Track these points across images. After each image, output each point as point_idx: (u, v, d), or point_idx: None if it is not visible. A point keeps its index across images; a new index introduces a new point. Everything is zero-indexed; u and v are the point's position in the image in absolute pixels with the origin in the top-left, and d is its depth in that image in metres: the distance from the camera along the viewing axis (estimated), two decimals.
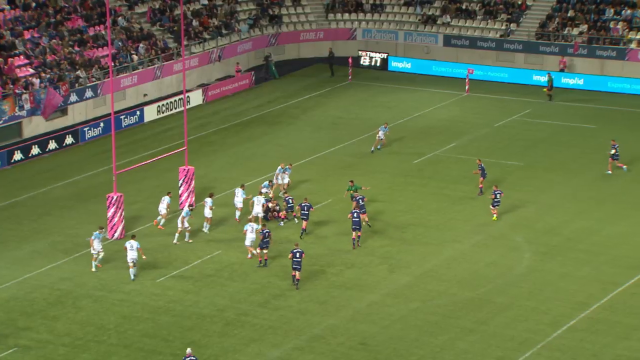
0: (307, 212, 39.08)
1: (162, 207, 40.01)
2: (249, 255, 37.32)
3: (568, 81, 60.09)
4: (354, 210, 38.22)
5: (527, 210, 41.55)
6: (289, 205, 40.63)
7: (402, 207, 42.08)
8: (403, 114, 55.22)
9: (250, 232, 37.09)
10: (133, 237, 36.37)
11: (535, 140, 50.38)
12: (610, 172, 45.55)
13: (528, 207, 41.91)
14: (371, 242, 38.73)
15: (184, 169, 41.85)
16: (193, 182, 42.00)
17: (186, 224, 38.84)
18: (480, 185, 43.26)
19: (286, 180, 42.96)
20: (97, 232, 36.88)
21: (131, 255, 35.70)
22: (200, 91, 58.72)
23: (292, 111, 56.75)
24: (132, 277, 35.80)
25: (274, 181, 42.90)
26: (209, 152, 49.74)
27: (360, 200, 39.37)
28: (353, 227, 37.95)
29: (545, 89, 57.19)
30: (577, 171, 46.01)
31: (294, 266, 35.09)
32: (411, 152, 48.54)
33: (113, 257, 37.53)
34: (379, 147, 48.76)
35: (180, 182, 41.93)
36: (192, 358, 28.93)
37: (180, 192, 41.96)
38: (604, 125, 52.61)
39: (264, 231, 36.91)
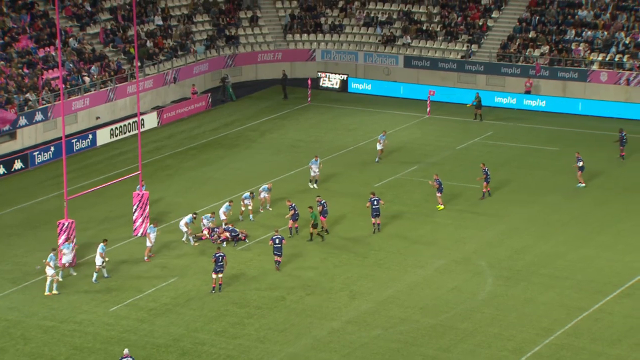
0: (279, 245, 38.20)
1: (182, 224, 40.70)
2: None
3: (530, 103, 60.77)
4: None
5: (491, 234, 41.80)
6: (233, 234, 40.74)
7: (364, 232, 42.12)
8: (364, 136, 55.42)
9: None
10: (104, 241, 37.72)
11: (498, 163, 50.78)
12: (583, 184, 46.63)
13: (491, 230, 42.16)
14: (332, 268, 38.71)
15: (138, 194, 41.57)
16: (148, 207, 41.71)
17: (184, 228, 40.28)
18: (484, 190, 45.10)
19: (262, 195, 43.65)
20: (52, 254, 36.80)
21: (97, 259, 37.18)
22: (155, 114, 58.50)
23: (250, 134, 56.72)
24: (95, 280, 37.19)
25: (260, 196, 43.65)
26: (164, 176, 49.49)
27: (324, 204, 41.10)
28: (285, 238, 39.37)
29: (469, 106, 57.63)
30: (540, 194, 46.42)
31: (275, 252, 37.98)
32: (372, 175, 48.68)
33: (63, 284, 37.06)
34: (376, 160, 49.88)
35: (135, 207, 41.63)
36: (129, 358, 29.21)
37: (134, 217, 41.66)
38: (566, 146, 53.21)
39: (217, 254, 36.79)
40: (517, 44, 64.41)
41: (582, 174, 46.88)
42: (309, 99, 62.60)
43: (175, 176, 49.44)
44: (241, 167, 50.87)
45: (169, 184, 48.18)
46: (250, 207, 42.99)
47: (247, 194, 43.26)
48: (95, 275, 37.66)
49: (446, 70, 64.76)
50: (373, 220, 41.99)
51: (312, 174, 46.73)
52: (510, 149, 53.05)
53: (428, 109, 59.50)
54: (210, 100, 61.93)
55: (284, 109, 61.54)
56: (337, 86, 65.42)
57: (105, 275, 37.94)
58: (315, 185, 46.50)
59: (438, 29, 67.06)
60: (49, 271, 36.51)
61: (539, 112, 59.84)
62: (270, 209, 43.76)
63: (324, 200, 41.77)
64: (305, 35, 69.42)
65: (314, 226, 40.82)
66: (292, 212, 41.28)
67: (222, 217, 41.97)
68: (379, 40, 67.96)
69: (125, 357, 29.71)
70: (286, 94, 63.71)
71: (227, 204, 42.27)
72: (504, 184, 47.58)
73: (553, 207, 44.76)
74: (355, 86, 65.07)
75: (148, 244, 39.64)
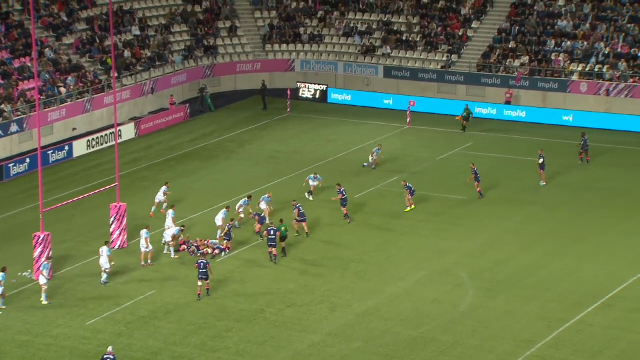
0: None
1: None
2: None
3: (510, 113, 61.08)
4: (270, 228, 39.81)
5: (471, 246, 41.94)
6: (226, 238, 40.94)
7: (344, 243, 42.17)
8: (344, 147, 55.51)
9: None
10: (106, 243, 38.30)
11: (480, 173, 50.99)
12: (544, 183, 48.15)
13: (472, 242, 42.31)
14: (312, 279, 38.71)
15: (116, 206, 41.44)
16: (125, 219, 41.57)
17: (168, 238, 40.52)
18: (479, 189, 46.59)
19: (263, 207, 43.50)
20: (46, 262, 37.03)
21: (101, 261, 37.75)
22: (132, 125, 58.37)
23: (228, 145, 56.68)
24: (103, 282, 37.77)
25: (260, 206, 43.66)
26: (141, 188, 49.36)
27: (300, 207, 41.91)
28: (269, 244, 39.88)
29: (459, 118, 57.82)
30: (521, 204, 46.64)
31: (270, 244, 39.38)
32: (352, 187, 48.77)
33: (38, 297, 36.86)
34: (373, 166, 50.71)
35: (112, 219, 41.48)
36: (111, 357, 29.46)
37: (111, 230, 41.50)
38: (547, 158, 53.55)
39: (200, 261, 36.91)
40: (497, 54, 64.79)
41: (544, 173, 48.38)
42: (289, 110, 62.65)
43: (153, 188, 49.29)
44: (220, 178, 50.80)
45: (147, 195, 48.06)
46: (242, 216, 43.11)
47: (245, 199, 43.55)
48: (104, 276, 37.99)
49: (426, 80, 65.02)
50: (344, 209, 43.74)
51: (311, 185, 46.55)
52: (491, 159, 53.27)
53: (408, 120, 59.68)
54: (188, 111, 61.85)
55: (263, 119, 61.54)
56: (317, 97, 65.53)
57: (104, 279, 37.94)
58: (311, 197, 46.43)
59: (418, 39, 67.36)
60: (42, 280, 36.53)
61: (519, 123, 60.17)
62: (239, 226, 42.83)
63: (299, 204, 42.10)
64: (285, 45, 69.52)
65: (282, 239, 40.46)
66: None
67: (219, 222, 41.77)
68: (359, 51, 68.14)
69: (107, 355, 29.78)
70: (265, 104, 63.74)
71: (225, 210, 42.15)
72: (484, 195, 47.75)
73: (534, 218, 44.98)
74: (335, 97, 65.19)
75: (144, 249, 39.44)
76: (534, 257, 40.79)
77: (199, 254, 40.22)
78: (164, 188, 45.46)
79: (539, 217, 45.01)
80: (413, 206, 45.38)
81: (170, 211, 42.15)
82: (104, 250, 38.08)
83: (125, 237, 41.37)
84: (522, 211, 45.78)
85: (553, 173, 50.71)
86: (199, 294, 36.87)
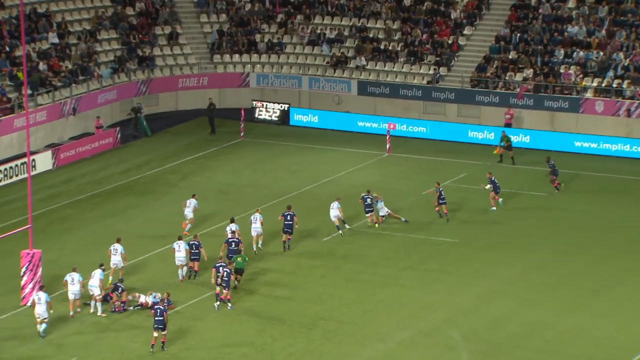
0: (291, 222, 45.84)
1: (189, 212, 47.41)
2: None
3: (512, 138, 61.42)
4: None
5: (465, 299, 42.13)
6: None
7: (309, 297, 42.21)
8: (310, 179, 55.69)
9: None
10: (74, 269, 40.50)
11: (473, 211, 51.34)
12: (494, 208, 50.79)
13: (466, 295, 42.50)
14: (271, 342, 38.70)
15: (28, 253, 41.24)
16: (40, 269, 41.40)
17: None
18: (497, 198, 50.62)
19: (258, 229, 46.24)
20: (100, 270, 40.68)
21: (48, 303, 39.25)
22: (49, 153, 58.24)
23: (168, 177, 56.66)
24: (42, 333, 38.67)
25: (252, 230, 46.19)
26: (60, 230, 49.20)
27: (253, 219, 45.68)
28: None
29: (498, 150, 57.81)
30: (525, 249, 46.95)
31: (285, 229, 45.49)
32: (320, 228, 48.85)
33: None
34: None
35: (24, 269, 41.26)
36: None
37: (23, 282, 41.27)
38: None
39: (157, 307, 37.70)
40: (494, 66, 65.46)
41: (496, 195, 50.89)
42: (242, 134, 62.78)
43: (74, 230, 49.10)
44: (158, 218, 50.72)
45: (67, 239, 47.85)
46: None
47: (233, 225, 44.87)
48: (43, 326, 38.94)
49: (409, 98, 65.51)
50: (284, 236, 46.12)
51: (254, 232, 46.71)
52: (488, 193, 53.65)
53: (388, 146, 60.02)
54: (118, 135, 61.83)
55: (211, 146, 61.59)
56: (277, 118, 65.78)
57: (41, 332, 38.65)
58: (259, 246, 46.76)
59: (399, 49, 67.94)
60: (96, 291, 40.15)
61: (522, 150, 60.69)
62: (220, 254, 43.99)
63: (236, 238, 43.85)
64: (237, 55, 69.83)
65: (238, 272, 42.27)
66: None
67: (180, 260, 43.33)
68: (327, 62, 68.58)
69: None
70: (214, 127, 63.84)
71: (100, 270, 41.43)
72: (480, 237, 48.07)
73: (540, 266, 45.28)
74: (299, 118, 65.47)
75: (72, 296, 40.31)
76: (540, 313, 41.05)
77: (129, 308, 40.33)
78: (192, 202, 48.27)
79: (546, 265, 45.32)
80: (377, 225, 46.82)
81: (193, 200, 47.99)
82: (42, 297, 38.80)
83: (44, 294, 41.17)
84: (525, 257, 46.08)
85: (561, 210, 51.18)
86: (152, 344, 37.14)
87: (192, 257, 43.41)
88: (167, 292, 40.15)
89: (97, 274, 40.75)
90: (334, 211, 47.81)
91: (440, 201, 49.65)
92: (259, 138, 62.95)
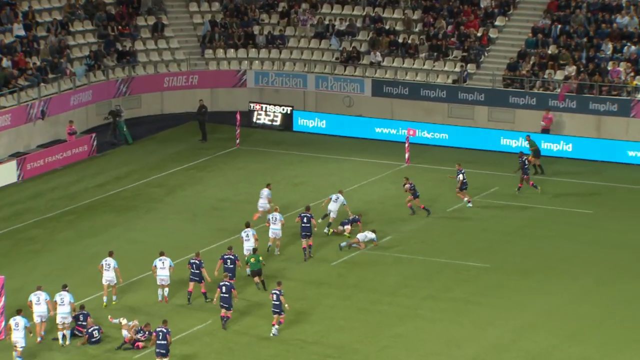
0: (308, 225, 47.74)
1: (264, 203, 50.54)
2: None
3: (551, 146, 61.56)
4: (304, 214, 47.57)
5: (497, 334, 42.13)
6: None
7: (317, 329, 42.26)
8: (316, 193, 55.68)
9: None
10: (39, 287, 41.20)
11: (506, 231, 51.28)
12: (467, 201, 53.40)
13: (497, 328, 42.49)
14: None
15: None
16: (3, 298, 41.47)
17: None
18: (422, 206, 52.46)
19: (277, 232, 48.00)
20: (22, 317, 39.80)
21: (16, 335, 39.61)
22: (14, 163, 58.33)
23: (152, 192, 56.70)
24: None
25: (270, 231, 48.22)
26: (27, 253, 49.22)
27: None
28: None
29: (531, 158, 57.37)
30: (565, 275, 46.90)
31: (303, 233, 47.45)
32: (329, 250, 48.86)
33: None
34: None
35: None
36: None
37: None
38: (603, 209, 53.99)
39: (159, 330, 38.69)
40: (531, 63, 65.46)
41: (463, 192, 52.77)
42: (238, 142, 62.82)
43: (43, 253, 49.11)
44: (140, 239, 50.74)
45: (35, 264, 47.90)
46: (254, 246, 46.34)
47: (249, 230, 46.80)
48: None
49: (432, 99, 65.50)
50: (303, 242, 47.51)
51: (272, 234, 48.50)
52: (524, 211, 53.63)
53: (407, 155, 60.05)
54: (95, 143, 61.89)
55: (201, 155, 61.64)
56: (278, 123, 65.82)
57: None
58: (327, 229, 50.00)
59: (420, 42, 67.98)
60: (68, 319, 40.71)
61: (564, 160, 60.67)
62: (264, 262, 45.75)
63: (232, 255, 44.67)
64: (232, 50, 69.92)
65: (255, 274, 45.10)
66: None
67: (161, 280, 44.07)
68: (337, 58, 68.64)
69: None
70: (205, 133, 63.89)
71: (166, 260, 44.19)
72: (515, 262, 48.01)
73: (583, 295, 45.20)
74: (304, 122, 65.51)
75: (39, 319, 40.99)
76: (584, 350, 40.97)
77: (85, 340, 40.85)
78: (265, 191, 50.81)
79: (589, 293, 45.19)
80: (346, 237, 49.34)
81: (266, 190, 50.91)
82: (20, 323, 39.14)
83: (3, 324, 41.31)
84: (565, 284, 46.00)
85: (608, 230, 51.16)
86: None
87: (192, 278, 43.80)
88: (146, 322, 40.37)
89: (66, 298, 41.08)
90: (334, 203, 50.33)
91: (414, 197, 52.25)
92: (257, 146, 62.96)
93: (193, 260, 44.01)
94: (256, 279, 44.95)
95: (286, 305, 41.47)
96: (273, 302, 41.47)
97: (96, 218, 53.32)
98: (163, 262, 44.09)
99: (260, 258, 45.08)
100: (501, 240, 50.20)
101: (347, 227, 50.11)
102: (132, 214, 53.90)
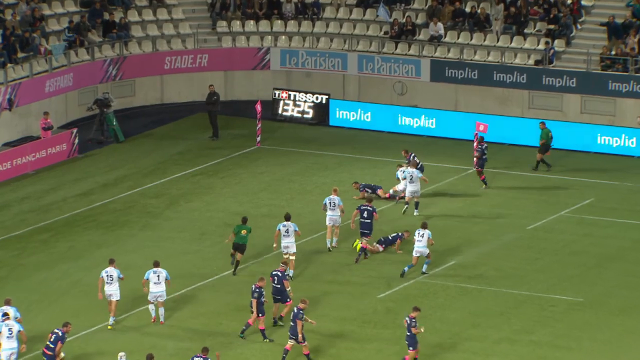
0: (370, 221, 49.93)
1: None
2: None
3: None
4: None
5: None
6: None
7: None
8: (355, 204, 55.57)
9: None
10: (7, 301, 42.66)
11: (605, 256, 51.22)
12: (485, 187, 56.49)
13: None
14: None
15: None
16: None
17: None
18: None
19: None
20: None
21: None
22: None
23: (149, 203, 56.85)
24: None
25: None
26: None
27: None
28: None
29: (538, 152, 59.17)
30: None
31: (362, 229, 49.77)
32: (375, 276, 48.74)
33: None
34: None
35: None
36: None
37: None
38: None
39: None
40: (637, 38, 65.30)
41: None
42: (258, 139, 62.90)
43: (10, 281, 49.29)
44: (133, 263, 50.73)
45: (3, 292, 48.03)
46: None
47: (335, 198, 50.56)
48: None
49: (508, 86, 65.55)
50: (362, 241, 50.01)
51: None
52: (628, 230, 53.49)
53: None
54: (76, 141, 62.07)
55: (212, 156, 61.79)
56: (310, 115, 65.85)
57: None
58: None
59: (493, 12, 67.91)
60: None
61: None
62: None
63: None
64: (252, 22, 70.03)
65: (237, 248, 47.96)
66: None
67: (156, 296, 45.06)
68: (386, 33, 68.65)
69: None
70: (216, 129, 63.98)
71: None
72: (615, 294, 47.89)
73: None
74: (343, 114, 65.61)
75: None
76: None
77: None
78: (336, 200, 51.14)
79: None
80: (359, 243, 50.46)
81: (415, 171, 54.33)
82: (14, 328, 41.14)
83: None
84: None
85: None
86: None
87: (276, 297, 44.83)
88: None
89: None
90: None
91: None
92: (283, 145, 63.06)
93: (275, 272, 45.05)
94: (238, 255, 46.92)
95: (291, 292, 44.49)
96: (274, 285, 43.69)
97: (77, 237, 53.45)
98: (158, 276, 44.66)
99: (251, 229, 47.18)
100: (597, 267, 50.02)
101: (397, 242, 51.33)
102: (123, 231, 53.98)
